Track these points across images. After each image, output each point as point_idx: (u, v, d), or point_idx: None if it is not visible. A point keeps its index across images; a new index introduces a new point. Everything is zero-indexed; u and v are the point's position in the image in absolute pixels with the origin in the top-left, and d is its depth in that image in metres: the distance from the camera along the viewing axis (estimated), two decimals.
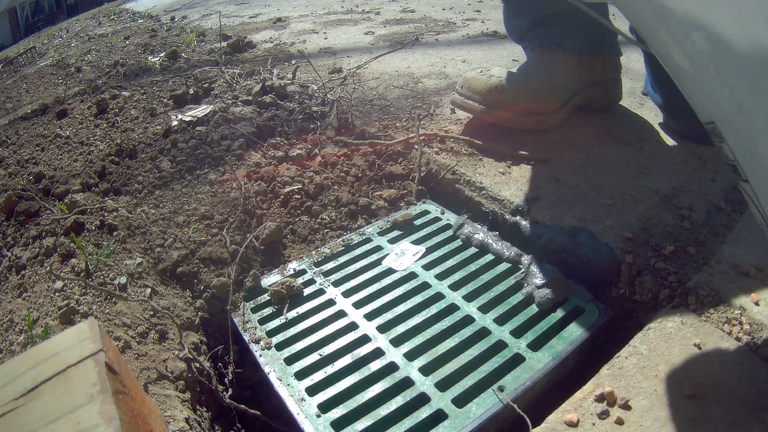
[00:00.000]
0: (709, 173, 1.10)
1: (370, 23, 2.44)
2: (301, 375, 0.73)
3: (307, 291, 0.88)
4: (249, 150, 1.23)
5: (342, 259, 0.95)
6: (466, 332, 0.78)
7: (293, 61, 1.86)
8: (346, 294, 0.87)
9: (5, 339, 0.87)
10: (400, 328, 0.79)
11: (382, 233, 1.00)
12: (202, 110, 1.42)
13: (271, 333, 0.81)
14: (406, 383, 0.71)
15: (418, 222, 1.03)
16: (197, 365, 0.79)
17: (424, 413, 0.67)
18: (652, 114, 1.32)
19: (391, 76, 1.66)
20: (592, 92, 1.27)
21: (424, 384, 0.70)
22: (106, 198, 1.15)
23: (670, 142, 1.20)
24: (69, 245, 0.99)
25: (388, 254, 0.94)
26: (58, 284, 0.90)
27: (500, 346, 0.76)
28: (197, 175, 1.16)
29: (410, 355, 0.75)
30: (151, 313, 0.84)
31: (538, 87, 1.16)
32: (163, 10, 3.65)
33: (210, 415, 0.78)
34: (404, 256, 0.94)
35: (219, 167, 1.18)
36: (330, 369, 0.74)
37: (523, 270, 0.87)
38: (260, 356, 0.77)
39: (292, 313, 0.84)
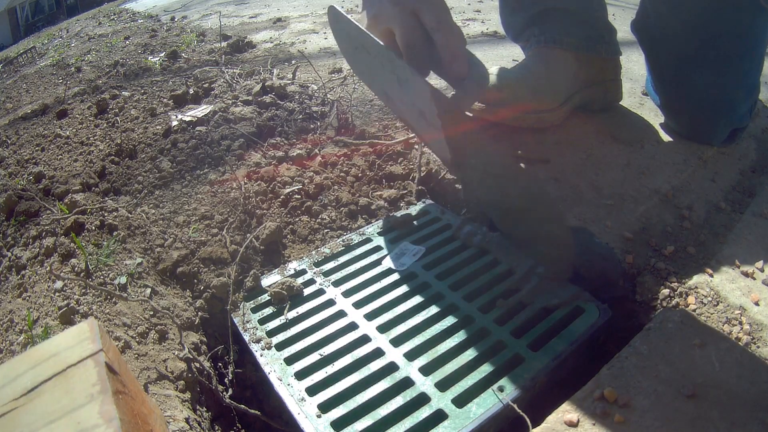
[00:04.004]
0: (709, 173, 1.10)
1: None
2: (301, 375, 0.73)
3: (307, 291, 0.88)
4: (249, 150, 1.23)
5: (342, 259, 0.95)
6: (466, 332, 0.78)
7: (293, 61, 1.86)
8: (346, 294, 0.87)
9: (5, 339, 0.87)
10: (400, 328, 0.79)
11: (382, 233, 1.00)
12: (202, 110, 1.42)
13: (272, 333, 0.81)
14: (406, 383, 0.71)
15: (418, 222, 1.03)
16: (197, 365, 0.79)
17: (424, 413, 0.67)
18: (652, 114, 1.32)
19: None
20: (592, 92, 1.26)
21: (424, 384, 0.70)
22: (106, 198, 1.15)
23: (670, 142, 1.20)
24: (69, 245, 0.99)
25: (388, 254, 0.94)
26: (58, 284, 0.90)
27: (500, 346, 0.76)
28: (197, 175, 1.16)
29: (410, 355, 0.75)
30: (151, 313, 0.84)
31: (537, 84, 1.16)
32: (163, 10, 3.65)
33: (210, 415, 0.78)
34: (404, 256, 0.94)
35: (219, 167, 1.18)
36: (330, 369, 0.74)
37: (523, 270, 0.87)
38: (260, 356, 0.77)
39: (292, 313, 0.84)
